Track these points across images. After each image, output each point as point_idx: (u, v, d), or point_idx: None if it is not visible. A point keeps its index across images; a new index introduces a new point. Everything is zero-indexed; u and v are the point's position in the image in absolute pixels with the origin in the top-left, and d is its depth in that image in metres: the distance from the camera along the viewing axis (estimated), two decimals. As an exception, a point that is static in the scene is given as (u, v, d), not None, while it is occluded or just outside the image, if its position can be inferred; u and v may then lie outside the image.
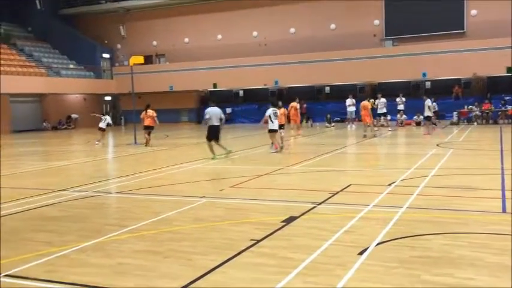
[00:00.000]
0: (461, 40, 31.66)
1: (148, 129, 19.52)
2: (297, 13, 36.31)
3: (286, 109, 21.71)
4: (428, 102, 21.53)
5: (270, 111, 15.13)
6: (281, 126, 16.43)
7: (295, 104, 23.14)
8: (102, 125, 21.17)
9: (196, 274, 4.68)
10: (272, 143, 15.39)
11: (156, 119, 19.70)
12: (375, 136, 20.50)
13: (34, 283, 4.63)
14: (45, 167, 14.07)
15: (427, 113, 21.56)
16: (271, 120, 15.03)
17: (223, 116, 14.44)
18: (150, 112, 19.58)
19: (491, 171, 10.42)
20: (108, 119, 21.62)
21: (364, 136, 20.20)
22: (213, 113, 14.20)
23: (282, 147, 15.47)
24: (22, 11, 41.14)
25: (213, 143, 14.18)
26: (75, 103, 38.93)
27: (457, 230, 6.00)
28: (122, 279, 4.67)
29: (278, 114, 15.44)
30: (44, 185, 10.54)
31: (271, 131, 15.12)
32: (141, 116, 19.72)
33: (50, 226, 6.83)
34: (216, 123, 14.16)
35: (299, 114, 23.56)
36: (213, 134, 14.18)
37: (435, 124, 23.58)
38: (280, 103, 16.85)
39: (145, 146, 19.03)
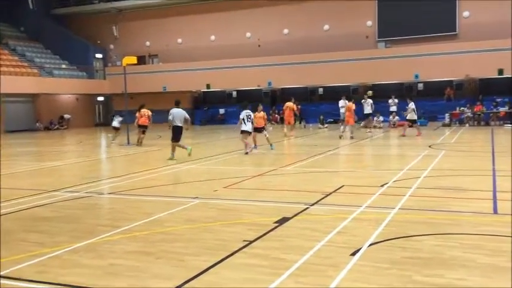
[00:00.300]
0: (453, 42, 31.83)
1: (142, 128, 19.79)
2: (291, 14, 36.36)
3: (280, 110, 21.73)
4: (412, 105, 21.55)
5: (243, 113, 15.59)
6: (261, 129, 16.62)
7: (291, 104, 22.97)
8: (115, 123, 21.39)
9: (189, 275, 4.68)
10: (246, 145, 15.65)
11: (150, 118, 20.08)
12: (352, 138, 19.94)
13: (26, 284, 4.61)
14: (37, 167, 14.00)
15: (412, 116, 21.49)
16: (244, 123, 15.48)
17: (188, 117, 14.92)
18: (144, 111, 19.91)
19: (482, 172, 10.49)
20: (118, 117, 21.76)
21: (351, 137, 19.92)
22: (177, 114, 14.63)
23: (255, 147, 16.08)
24: (14, 10, 40.89)
25: (174, 143, 14.66)
26: (68, 103, 38.76)
27: (449, 231, 6.04)
28: (114, 280, 4.66)
29: (252, 117, 15.78)
30: (36, 186, 10.49)
31: (243, 132, 15.54)
32: (136, 115, 20.07)
33: (42, 227, 6.80)
34: (179, 124, 14.64)
35: (293, 115, 23.27)
36: (177, 135, 14.68)
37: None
38: (260, 107, 16.96)
39: (137, 145, 19.15)
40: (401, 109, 28.47)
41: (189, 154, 14.55)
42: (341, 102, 27.54)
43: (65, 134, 31.29)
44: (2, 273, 4.89)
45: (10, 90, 32.63)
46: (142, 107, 20.21)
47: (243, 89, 37.36)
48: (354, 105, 21.07)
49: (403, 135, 20.58)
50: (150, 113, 20.25)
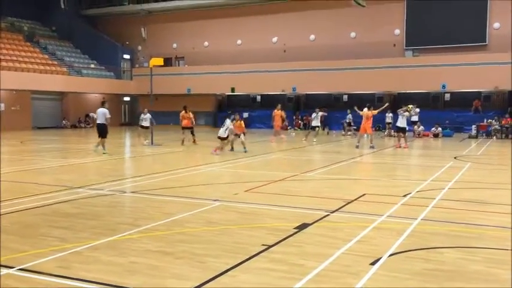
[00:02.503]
0: (483, 53, 31.31)
1: (188, 129, 20.67)
2: (318, 20, 36.29)
3: (304, 115, 21.58)
4: (406, 113, 20.82)
5: (228, 122, 16.87)
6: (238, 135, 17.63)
7: (279, 112, 22.90)
8: (144, 123, 21.34)
9: (206, 276, 4.69)
10: (220, 148, 16.87)
11: (193, 119, 21.03)
12: (372, 147, 19.29)
13: (47, 278, 4.68)
14: (62, 164, 14.25)
15: (402, 124, 20.17)
16: (224, 130, 16.74)
17: (108, 115, 16.58)
18: (188, 113, 20.67)
19: (508, 186, 10.25)
20: (148, 116, 21.42)
21: (372, 147, 19.22)
22: (99, 113, 16.58)
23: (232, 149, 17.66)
24: (47, 10, 41.86)
25: (101, 139, 16.25)
26: (95, 102, 39.29)
27: (472, 244, 5.92)
28: (134, 277, 4.70)
29: (229, 126, 16.85)
30: (60, 182, 10.68)
31: (219, 137, 16.88)
32: (180, 116, 20.84)
33: (65, 222, 6.91)
34: (102, 121, 16.45)
35: (281, 122, 23.26)
36: (102, 132, 16.38)
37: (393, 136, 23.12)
38: (237, 116, 17.66)
39: (182, 144, 20.13)
40: (427, 119, 28.22)
41: (101, 153, 16.07)
42: (365, 110, 27.31)
43: (90, 132, 31.79)
44: (24, 266, 4.98)
45: (39, 87, 33.40)
46: (185, 108, 20.79)
47: (267, 94, 37.42)
48: (371, 112, 19.69)
49: (405, 147, 19.74)
50: (191, 115, 20.81)
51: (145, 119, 21.28)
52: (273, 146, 20.47)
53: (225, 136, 16.81)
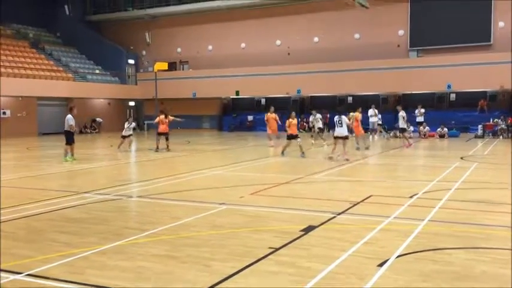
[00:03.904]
0: (487, 52, 31.18)
1: (164, 135, 19.75)
2: (321, 22, 36.28)
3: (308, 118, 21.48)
4: (402, 113, 21.33)
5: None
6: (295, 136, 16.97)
7: (272, 116, 22.18)
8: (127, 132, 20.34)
9: (214, 280, 4.69)
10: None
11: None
12: (367, 148, 19.41)
13: (55, 283, 4.69)
14: (69, 169, 14.31)
15: (402, 125, 21.31)
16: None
17: (69, 122, 16.22)
18: (167, 119, 19.96)
19: (516, 186, 10.19)
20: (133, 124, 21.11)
21: (357, 149, 19.19)
22: (65, 120, 16.32)
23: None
24: (51, 16, 42.11)
25: (68, 146, 16.05)
26: (100, 107, 39.56)
27: (480, 245, 5.88)
28: (141, 282, 4.71)
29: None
30: (67, 187, 10.72)
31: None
32: (158, 120, 19.88)
33: (72, 227, 6.93)
34: (66, 128, 16.21)
35: (276, 125, 22.31)
36: (68, 138, 16.13)
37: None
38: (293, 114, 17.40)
39: (156, 150, 19.40)
40: (432, 119, 28.13)
41: (65, 160, 15.80)
42: (370, 111, 27.29)
43: (96, 138, 31.92)
44: (31, 272, 5.00)
45: (45, 93, 33.56)
46: (164, 113, 20.08)
47: (271, 97, 37.43)
48: (360, 114, 20.02)
49: (409, 145, 20.44)
50: (170, 119, 20.20)
51: (130, 128, 20.41)
52: (274, 149, 20.44)
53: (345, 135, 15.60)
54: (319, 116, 23.53)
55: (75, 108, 17.07)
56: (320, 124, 23.70)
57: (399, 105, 23.29)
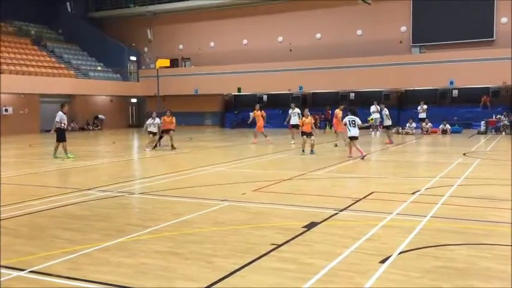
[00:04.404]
0: (490, 48, 31.07)
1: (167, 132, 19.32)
2: (323, 18, 36.20)
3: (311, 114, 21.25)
4: (386, 111, 21.55)
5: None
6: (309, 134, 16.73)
7: (258, 113, 21.80)
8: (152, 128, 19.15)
9: (216, 276, 4.70)
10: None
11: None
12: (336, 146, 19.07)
13: (57, 280, 4.71)
14: (71, 166, 14.33)
15: (387, 122, 21.63)
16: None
17: (56, 119, 16.10)
18: (171, 118, 19.37)
19: (519, 182, 10.16)
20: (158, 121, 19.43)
21: (336, 145, 19.08)
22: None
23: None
24: (53, 13, 42.11)
25: (59, 143, 16.03)
26: (102, 104, 39.57)
27: (483, 241, 5.88)
28: (144, 279, 4.72)
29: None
30: (70, 184, 10.74)
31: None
32: (162, 120, 19.29)
33: (75, 224, 6.94)
34: (58, 125, 16.06)
35: (262, 122, 21.78)
36: (58, 136, 16.10)
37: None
38: (306, 112, 17.15)
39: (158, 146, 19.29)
40: (435, 115, 28.07)
41: (55, 157, 15.82)
42: (373, 108, 27.26)
43: (98, 135, 31.95)
44: (34, 268, 5.01)
45: (47, 91, 33.58)
46: (169, 112, 19.62)
47: (273, 93, 37.40)
48: (341, 112, 19.79)
49: (390, 142, 20.61)
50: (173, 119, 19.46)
51: (154, 124, 19.12)
52: (273, 146, 20.42)
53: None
54: (297, 110, 21.74)
55: (67, 106, 16.85)
56: (296, 120, 21.29)
57: (381, 102, 23.09)
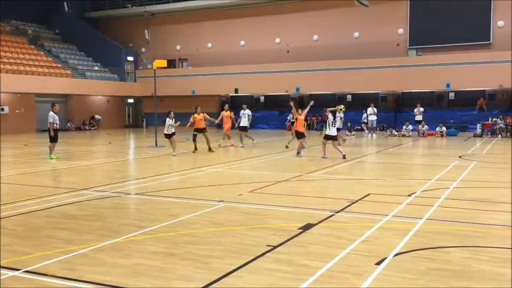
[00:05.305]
0: (487, 51, 31.18)
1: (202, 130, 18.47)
2: (321, 20, 36.25)
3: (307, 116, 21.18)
4: (341, 114, 21.09)
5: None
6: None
7: (227, 114, 21.39)
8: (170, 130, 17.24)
9: (212, 277, 4.69)
10: None
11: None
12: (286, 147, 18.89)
13: (52, 280, 4.69)
14: (67, 166, 14.29)
15: (339, 125, 20.86)
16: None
17: (49, 120, 15.93)
18: (200, 115, 18.49)
19: (514, 185, 10.20)
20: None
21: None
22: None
23: None
24: (50, 13, 42.04)
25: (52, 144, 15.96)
26: (99, 105, 39.50)
27: (478, 243, 5.89)
28: (139, 279, 4.71)
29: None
30: (65, 184, 10.71)
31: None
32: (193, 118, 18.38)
33: (70, 224, 6.93)
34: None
35: (230, 124, 21.40)
36: (54, 136, 15.96)
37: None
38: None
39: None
40: (427, 118, 28.13)
41: (50, 158, 15.69)
42: (369, 110, 27.33)
43: (95, 135, 31.88)
44: (29, 268, 5.00)
45: (44, 90, 33.47)
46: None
47: (270, 94, 37.41)
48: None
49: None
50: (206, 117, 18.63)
51: (172, 125, 17.07)
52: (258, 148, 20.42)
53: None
54: (248, 112, 21.23)
55: (57, 105, 16.60)
56: (246, 122, 21.04)
57: (340, 104, 22.88)
